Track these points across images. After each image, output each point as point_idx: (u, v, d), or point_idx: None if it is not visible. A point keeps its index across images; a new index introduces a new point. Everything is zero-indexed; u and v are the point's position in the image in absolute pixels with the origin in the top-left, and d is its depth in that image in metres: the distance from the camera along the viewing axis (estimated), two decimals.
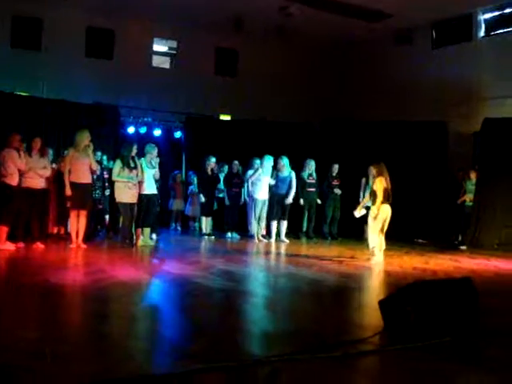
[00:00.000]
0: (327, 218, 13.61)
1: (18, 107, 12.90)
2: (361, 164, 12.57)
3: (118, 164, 10.17)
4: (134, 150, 10.31)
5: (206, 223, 12.91)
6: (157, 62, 17.42)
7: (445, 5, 14.05)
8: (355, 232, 12.79)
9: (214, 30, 16.33)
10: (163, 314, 5.32)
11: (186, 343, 4.14)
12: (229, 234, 12.87)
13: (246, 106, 16.38)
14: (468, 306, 4.66)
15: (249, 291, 6.67)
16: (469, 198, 12.69)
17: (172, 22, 15.89)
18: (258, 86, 16.87)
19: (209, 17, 15.17)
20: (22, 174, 9.38)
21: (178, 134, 15.88)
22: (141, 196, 10.39)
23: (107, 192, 11.86)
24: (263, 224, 12.67)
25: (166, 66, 17.79)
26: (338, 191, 13.48)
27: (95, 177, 10.92)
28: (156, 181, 10.88)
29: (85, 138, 9.82)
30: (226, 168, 13.34)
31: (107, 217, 12.36)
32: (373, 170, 9.64)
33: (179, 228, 14.84)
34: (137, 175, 10.22)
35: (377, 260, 9.23)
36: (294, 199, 12.80)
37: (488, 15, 14.72)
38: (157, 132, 15.52)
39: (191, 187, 14.35)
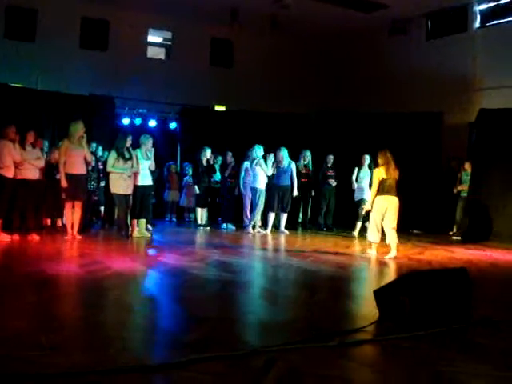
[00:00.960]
0: (322, 209, 13.62)
1: (12, 99, 12.86)
2: (356, 155, 12.60)
3: (113, 155, 10.16)
4: (129, 141, 10.30)
5: (201, 214, 12.92)
6: (152, 52, 17.36)
7: None
8: (350, 223, 12.81)
9: (209, 21, 16.28)
10: (159, 305, 5.32)
11: (182, 333, 4.15)
12: (224, 225, 12.88)
13: (241, 96, 16.36)
14: (462, 295, 4.69)
15: (245, 282, 6.68)
16: (464, 187, 12.74)
17: (167, 13, 15.82)
18: (253, 76, 16.86)
19: (204, 7, 15.12)
20: (16, 165, 9.36)
21: (173, 125, 15.87)
22: (136, 187, 10.39)
23: (102, 183, 11.86)
24: (259, 215, 12.69)
25: (161, 56, 17.74)
26: (333, 182, 13.48)
27: (90, 168, 10.90)
28: (153, 172, 10.87)
29: (79, 129, 9.79)
30: (220, 159, 13.32)
31: (102, 208, 12.35)
32: (378, 160, 9.05)
33: (174, 219, 14.84)
34: (132, 166, 10.21)
35: (372, 253, 8.96)
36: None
37: (483, 6, 14.70)
38: (152, 123, 15.49)
39: (186, 178, 14.35)
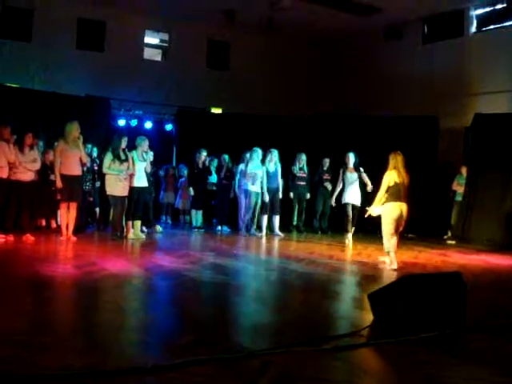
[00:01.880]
0: (317, 212, 13.61)
1: (8, 99, 12.82)
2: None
3: (109, 156, 10.13)
4: (124, 143, 10.27)
5: (196, 216, 12.90)
6: (148, 54, 17.36)
7: (437, 0, 14.08)
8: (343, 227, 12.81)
9: (205, 23, 16.29)
10: (154, 307, 5.32)
11: (176, 335, 4.15)
12: (219, 228, 12.87)
13: (237, 99, 16.36)
14: (457, 300, 4.69)
15: (239, 284, 6.68)
16: (459, 188, 12.79)
17: (164, 15, 15.82)
18: (249, 79, 16.87)
19: (201, 9, 15.12)
20: (11, 166, 9.32)
21: (169, 127, 15.85)
22: (131, 189, 10.38)
23: (97, 184, 11.82)
24: (255, 218, 12.70)
25: (158, 58, 17.74)
26: (328, 185, 13.46)
27: (85, 169, 10.86)
28: (151, 175, 10.85)
29: (74, 130, 9.76)
30: (215, 162, 13.29)
31: (97, 209, 12.32)
32: (389, 162, 8.24)
33: (169, 221, 14.82)
34: (128, 168, 10.20)
35: (391, 266, 8.05)
36: (283, 193, 12.86)
37: (480, 11, 14.74)
38: (148, 125, 15.46)
39: (181, 180, 14.33)
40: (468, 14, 14.83)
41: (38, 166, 9.88)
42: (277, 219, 12.67)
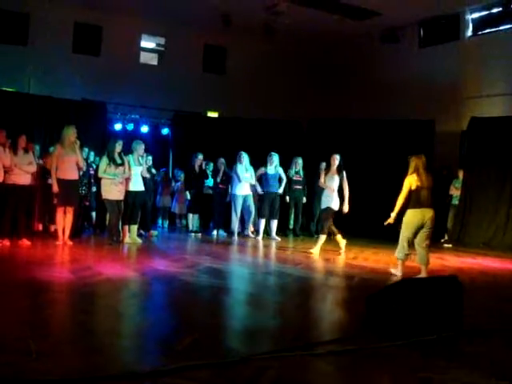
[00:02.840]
0: (314, 216, 13.60)
1: (4, 103, 12.82)
2: (348, 163, 12.56)
3: (105, 161, 10.12)
4: (119, 146, 10.25)
5: (192, 220, 12.89)
6: (145, 58, 17.36)
7: (433, 4, 14.11)
8: (342, 231, 12.79)
9: (202, 27, 16.29)
10: (150, 311, 5.30)
11: (172, 340, 4.14)
12: (215, 232, 12.85)
13: (233, 103, 16.37)
14: (453, 303, 4.68)
15: (235, 289, 6.68)
16: (456, 192, 12.81)
17: (160, 19, 15.83)
18: (245, 83, 16.90)
19: (197, 14, 15.13)
20: (6, 170, 9.29)
21: (165, 131, 15.84)
22: (127, 193, 10.36)
23: (94, 189, 11.81)
24: (251, 221, 12.70)
25: (154, 62, 17.73)
26: None
27: (81, 173, 10.84)
28: (151, 178, 10.83)
29: (70, 134, 9.74)
30: (211, 165, 13.28)
31: (94, 214, 12.31)
32: (410, 165, 8.01)
33: (166, 225, 14.80)
34: (124, 172, 10.19)
35: (397, 274, 7.73)
36: (280, 196, 12.91)
37: (476, 15, 14.78)
38: (144, 129, 15.46)
39: (177, 184, 14.32)
40: (464, 17, 14.86)
41: (33, 168, 9.80)
42: (274, 223, 12.70)
